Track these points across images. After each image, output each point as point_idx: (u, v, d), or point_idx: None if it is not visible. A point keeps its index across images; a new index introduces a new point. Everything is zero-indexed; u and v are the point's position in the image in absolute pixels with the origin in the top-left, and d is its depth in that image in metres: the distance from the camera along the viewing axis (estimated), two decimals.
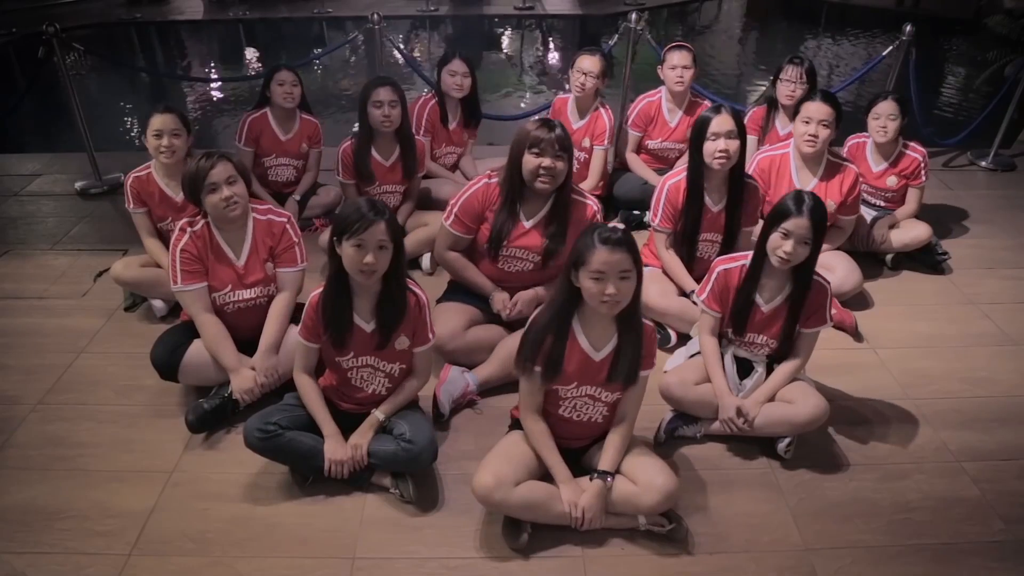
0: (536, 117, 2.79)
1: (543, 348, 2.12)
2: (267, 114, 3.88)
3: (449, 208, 2.88)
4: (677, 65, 3.87)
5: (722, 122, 2.79)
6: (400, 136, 3.56)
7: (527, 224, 2.79)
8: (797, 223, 2.27)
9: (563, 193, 2.74)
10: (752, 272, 2.45)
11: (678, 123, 4.02)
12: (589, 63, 3.77)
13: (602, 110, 3.87)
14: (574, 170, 3.93)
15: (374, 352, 2.33)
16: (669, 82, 3.92)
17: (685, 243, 3.03)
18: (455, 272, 2.97)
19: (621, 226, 2.02)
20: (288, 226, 2.72)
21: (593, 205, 2.84)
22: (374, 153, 3.57)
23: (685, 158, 4.01)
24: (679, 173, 3.01)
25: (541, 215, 2.78)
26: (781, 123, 3.85)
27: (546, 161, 2.62)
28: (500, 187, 2.78)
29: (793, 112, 3.59)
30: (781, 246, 2.31)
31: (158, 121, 3.05)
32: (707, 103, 4.07)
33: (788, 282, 2.43)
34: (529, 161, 2.64)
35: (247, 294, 2.68)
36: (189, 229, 2.62)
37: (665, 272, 3.13)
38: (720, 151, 2.79)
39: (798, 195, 2.33)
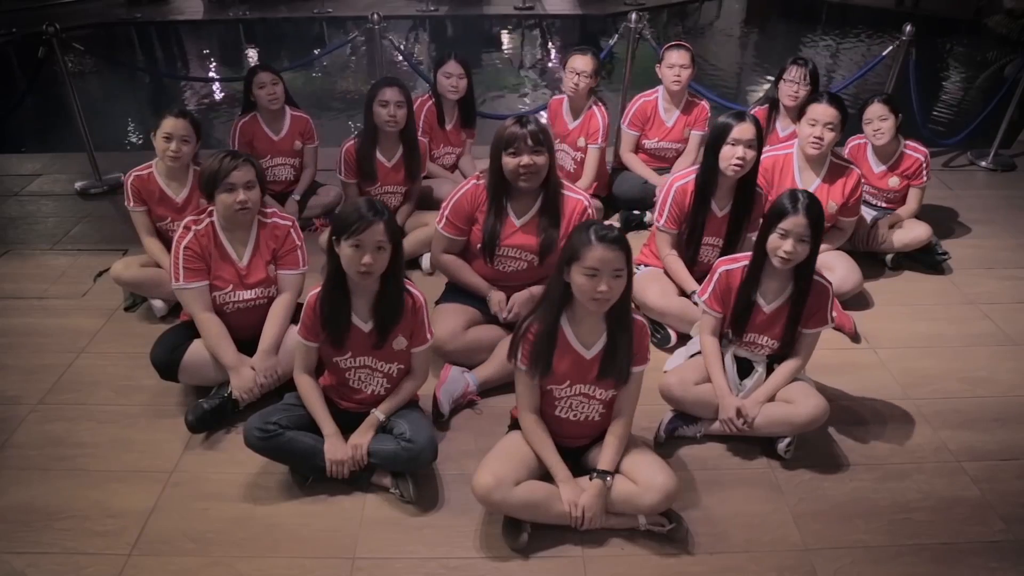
0: (512, 117, 2.74)
1: (533, 346, 2.12)
2: (256, 117, 3.87)
3: (441, 212, 2.88)
4: (675, 64, 3.87)
5: (744, 130, 2.75)
6: (404, 137, 3.55)
7: (518, 223, 2.79)
8: (795, 221, 2.27)
9: (551, 188, 2.73)
10: (752, 273, 2.44)
11: (675, 123, 4.02)
12: (582, 63, 3.76)
13: (596, 108, 3.86)
14: (571, 170, 3.97)
15: (371, 352, 2.33)
16: (667, 81, 3.92)
17: (690, 246, 3.02)
18: (452, 275, 2.97)
19: (617, 225, 2.02)
20: (292, 230, 2.73)
21: (584, 200, 2.81)
22: (377, 153, 3.56)
23: (686, 158, 4.04)
24: (688, 175, 2.99)
25: (532, 213, 2.78)
26: (782, 124, 3.85)
27: (524, 159, 2.61)
28: (487, 189, 2.78)
29: (796, 113, 3.59)
30: (780, 246, 2.31)
31: (169, 124, 3.05)
32: (703, 103, 4.07)
33: (790, 282, 2.43)
34: (508, 162, 2.64)
35: (248, 295, 2.68)
36: (194, 227, 2.62)
37: (666, 272, 3.13)
38: (738, 158, 2.76)
39: (793, 194, 2.33)
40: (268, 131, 3.89)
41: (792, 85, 3.70)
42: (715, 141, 2.82)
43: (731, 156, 2.77)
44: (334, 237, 2.17)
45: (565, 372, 2.15)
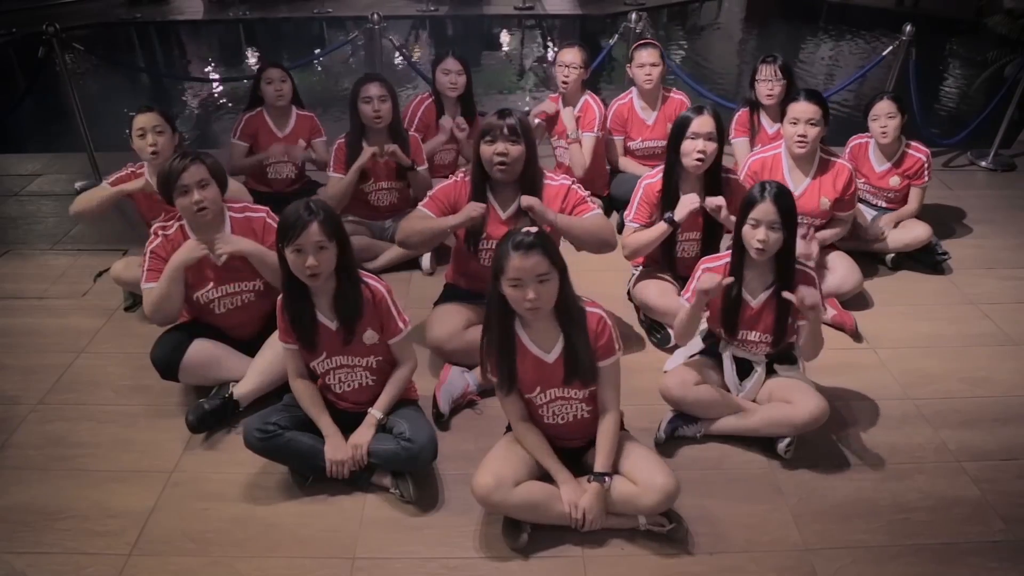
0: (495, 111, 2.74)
1: (495, 360, 2.13)
2: (263, 112, 3.88)
3: (429, 194, 2.84)
4: (645, 63, 3.88)
5: (703, 123, 2.77)
6: (392, 132, 3.53)
7: (503, 216, 2.79)
8: (764, 209, 2.30)
9: (531, 179, 2.73)
10: (734, 268, 2.46)
11: (655, 120, 4.01)
12: (570, 56, 3.80)
13: (590, 99, 3.87)
14: (568, 164, 3.96)
15: (344, 350, 2.32)
16: (639, 80, 3.93)
17: (665, 243, 3.01)
18: (417, 229, 2.76)
19: (534, 229, 2.01)
20: (268, 219, 2.68)
21: (566, 183, 2.81)
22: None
23: None
24: (657, 173, 3.01)
25: (516, 206, 2.76)
26: (767, 122, 3.85)
27: (499, 147, 2.62)
28: (470, 181, 2.77)
29: (778, 111, 3.60)
30: (754, 235, 2.33)
31: (140, 120, 3.05)
32: (680, 96, 4.06)
33: (771, 274, 2.44)
34: (484, 150, 2.66)
35: (231, 288, 2.66)
36: (161, 233, 2.60)
37: (646, 265, 3.12)
38: (698, 151, 2.78)
39: (762, 184, 2.36)
40: (274, 127, 3.90)
41: (766, 83, 3.71)
42: (676, 137, 2.84)
43: (692, 150, 2.79)
44: (279, 245, 2.17)
45: (531, 379, 2.15)
